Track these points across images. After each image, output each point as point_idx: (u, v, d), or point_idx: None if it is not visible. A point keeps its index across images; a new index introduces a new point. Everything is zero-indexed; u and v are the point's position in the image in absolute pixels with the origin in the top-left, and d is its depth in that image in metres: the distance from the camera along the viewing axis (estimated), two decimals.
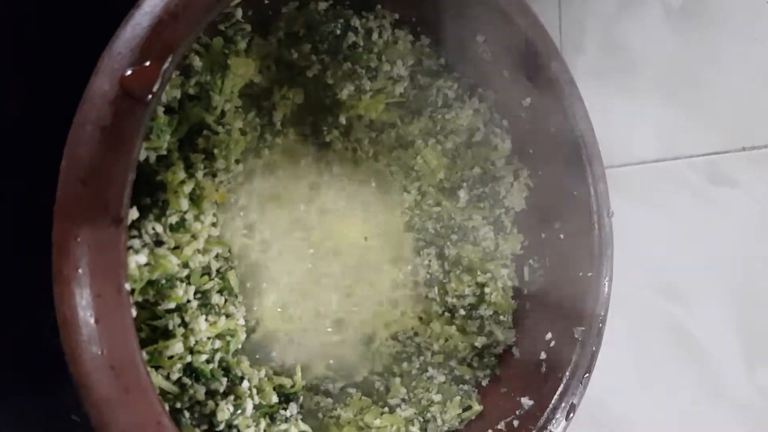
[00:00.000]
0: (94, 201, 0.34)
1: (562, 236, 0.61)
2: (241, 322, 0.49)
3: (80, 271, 0.34)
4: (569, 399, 0.56)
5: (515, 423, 0.57)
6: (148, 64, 0.36)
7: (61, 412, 0.47)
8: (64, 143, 0.35)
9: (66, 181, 0.35)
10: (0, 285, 0.46)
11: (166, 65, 0.37)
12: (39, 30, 0.48)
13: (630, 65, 0.75)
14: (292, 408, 0.52)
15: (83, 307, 0.34)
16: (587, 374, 0.57)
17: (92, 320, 0.34)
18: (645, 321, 0.72)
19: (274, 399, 0.50)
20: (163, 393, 0.43)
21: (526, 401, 0.58)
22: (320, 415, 0.56)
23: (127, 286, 0.36)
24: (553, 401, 0.56)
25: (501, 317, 0.63)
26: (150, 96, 0.36)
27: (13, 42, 0.47)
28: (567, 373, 0.57)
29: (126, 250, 0.36)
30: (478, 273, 0.63)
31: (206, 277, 0.47)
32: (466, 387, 0.62)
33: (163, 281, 0.42)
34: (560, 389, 0.56)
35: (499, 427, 0.58)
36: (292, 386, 0.53)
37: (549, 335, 0.60)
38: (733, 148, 0.67)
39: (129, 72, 0.36)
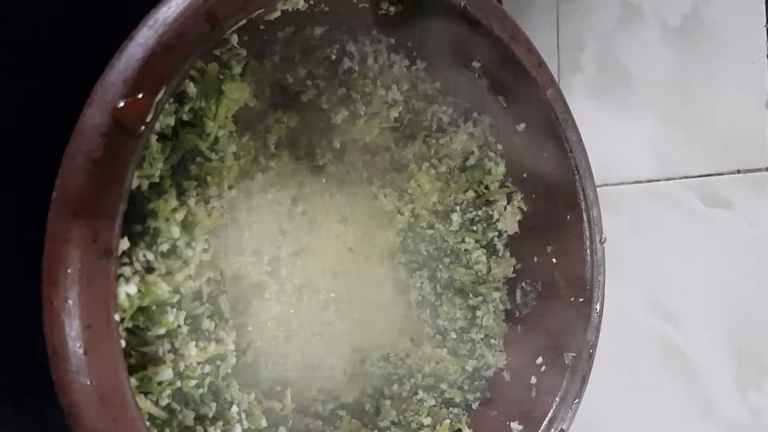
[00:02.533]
0: (85, 233, 0.35)
1: (554, 261, 0.61)
2: (231, 347, 0.48)
3: (70, 302, 0.34)
4: (559, 425, 0.56)
5: None
6: (140, 96, 0.36)
7: (53, 428, 0.47)
8: (65, 144, 0.35)
9: (56, 212, 0.35)
10: None
11: (159, 97, 0.37)
12: (41, 30, 0.48)
13: (627, 84, 0.75)
14: None
15: (72, 337, 0.34)
16: (577, 400, 0.57)
17: (81, 351, 0.34)
18: (637, 340, 0.72)
19: (264, 423, 0.50)
20: (152, 419, 0.42)
21: (516, 426, 0.58)
22: None
23: (117, 317, 0.36)
24: (542, 426, 0.56)
25: (492, 340, 0.63)
26: (142, 128, 0.36)
27: (15, 42, 0.47)
28: (557, 399, 0.57)
29: (116, 280, 0.36)
30: (470, 296, 0.63)
31: (197, 302, 0.47)
32: (456, 410, 0.62)
33: (154, 307, 0.42)
34: (550, 414, 0.57)
35: None
36: (282, 409, 0.53)
37: (540, 359, 0.60)
38: (728, 170, 0.67)
39: (121, 104, 0.36)
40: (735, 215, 0.66)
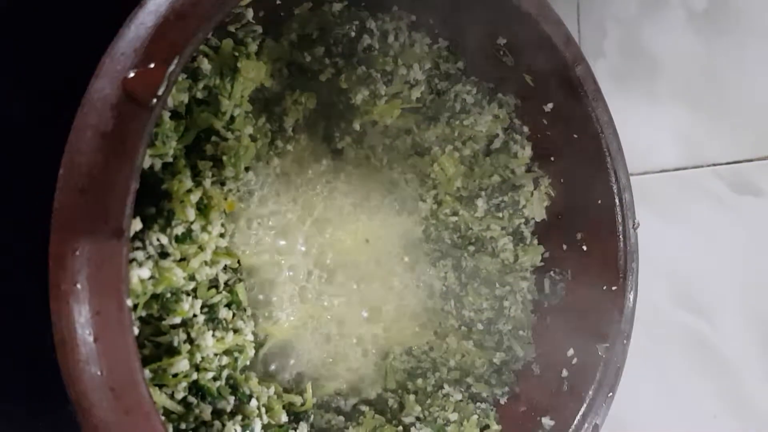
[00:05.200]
0: (94, 212, 0.32)
1: (584, 248, 0.59)
2: (250, 337, 0.47)
3: (79, 286, 0.32)
4: (592, 419, 0.54)
5: None
6: (152, 66, 0.34)
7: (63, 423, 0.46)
8: (71, 121, 0.34)
9: (64, 190, 0.33)
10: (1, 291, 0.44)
11: (171, 67, 0.35)
12: (43, 28, 0.46)
13: (651, 70, 0.73)
14: (303, 428, 0.50)
15: (82, 324, 0.32)
16: (611, 393, 0.55)
17: (91, 339, 0.32)
18: (665, 333, 0.71)
19: (284, 418, 0.48)
20: (167, 413, 0.41)
21: (547, 421, 0.56)
22: None
23: (129, 303, 0.33)
24: (575, 422, 0.54)
25: (520, 332, 0.61)
26: (154, 100, 0.34)
27: (17, 39, 0.46)
28: (590, 392, 0.55)
29: (128, 264, 0.34)
30: (497, 286, 0.61)
31: (213, 290, 0.45)
32: (483, 405, 0.60)
33: (168, 295, 0.40)
34: (583, 409, 0.55)
35: None
36: (303, 404, 0.51)
37: (571, 351, 0.58)
38: (758, 156, 0.65)
39: (132, 74, 0.34)
40: (765, 203, 0.64)
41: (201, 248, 0.42)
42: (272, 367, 0.53)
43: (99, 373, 0.32)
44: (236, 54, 0.46)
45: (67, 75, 0.39)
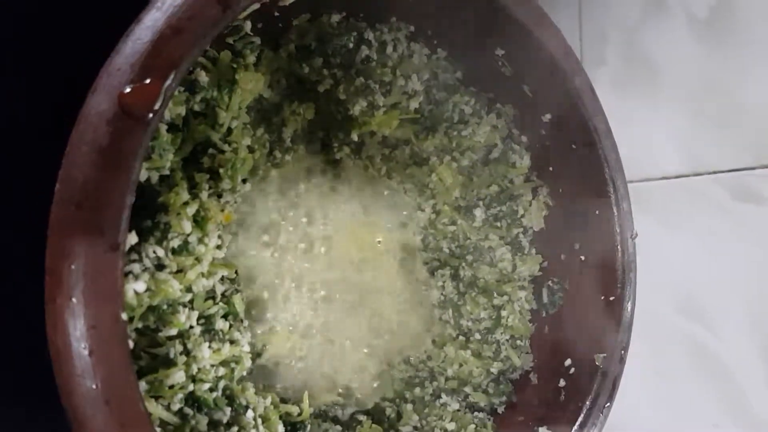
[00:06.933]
0: (90, 226, 0.33)
1: (583, 258, 0.59)
2: (246, 348, 0.47)
3: (74, 300, 0.32)
4: (589, 429, 0.54)
5: None
6: (148, 81, 0.34)
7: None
8: (68, 136, 0.34)
9: (60, 203, 0.33)
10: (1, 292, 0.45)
11: (168, 82, 0.35)
12: (45, 27, 0.47)
13: (653, 77, 0.73)
14: None
15: (77, 338, 0.33)
16: (608, 404, 0.55)
17: (86, 352, 0.33)
18: (666, 341, 0.71)
19: (281, 429, 0.48)
20: (163, 424, 0.41)
21: (544, 431, 0.55)
22: None
23: (124, 316, 0.34)
24: None
25: (518, 341, 0.61)
26: (151, 115, 0.34)
27: (18, 44, 0.46)
28: (587, 402, 0.55)
29: (123, 278, 0.34)
30: (495, 295, 0.61)
31: (210, 302, 0.45)
32: (481, 415, 0.60)
33: (165, 307, 0.40)
34: (580, 419, 0.54)
35: None
36: (299, 414, 0.51)
37: (568, 361, 0.58)
38: (759, 163, 0.65)
39: (128, 89, 0.34)
40: (767, 211, 0.64)
41: (198, 260, 0.42)
42: (269, 376, 0.54)
43: (94, 386, 0.33)
44: (234, 66, 0.46)
45: (68, 75, 0.40)
